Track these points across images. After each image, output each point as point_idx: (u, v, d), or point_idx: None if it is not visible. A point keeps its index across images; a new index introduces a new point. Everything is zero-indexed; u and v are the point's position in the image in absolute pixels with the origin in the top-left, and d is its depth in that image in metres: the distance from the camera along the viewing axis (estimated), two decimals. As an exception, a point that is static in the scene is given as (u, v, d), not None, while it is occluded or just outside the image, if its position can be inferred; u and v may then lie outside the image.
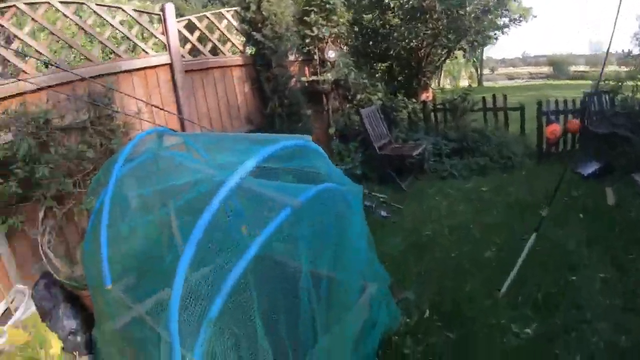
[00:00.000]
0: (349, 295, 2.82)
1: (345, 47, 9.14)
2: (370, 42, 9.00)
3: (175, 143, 3.71)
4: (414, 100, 9.44)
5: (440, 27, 8.25)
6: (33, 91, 4.24)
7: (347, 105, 8.65)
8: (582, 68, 50.16)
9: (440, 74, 34.87)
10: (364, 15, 8.97)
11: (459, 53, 10.82)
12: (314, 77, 7.62)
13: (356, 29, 9.24)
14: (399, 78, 9.89)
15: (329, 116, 8.12)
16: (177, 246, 2.92)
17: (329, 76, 7.55)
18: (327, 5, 7.50)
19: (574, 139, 8.86)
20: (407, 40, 8.60)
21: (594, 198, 6.50)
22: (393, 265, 4.95)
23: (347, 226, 2.87)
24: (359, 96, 8.54)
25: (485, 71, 42.86)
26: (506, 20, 8.41)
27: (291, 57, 7.62)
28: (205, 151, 3.45)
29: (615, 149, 7.71)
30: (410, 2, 8.24)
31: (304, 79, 7.73)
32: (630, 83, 8.86)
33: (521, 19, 8.38)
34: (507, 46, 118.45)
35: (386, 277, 3.67)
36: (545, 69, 50.30)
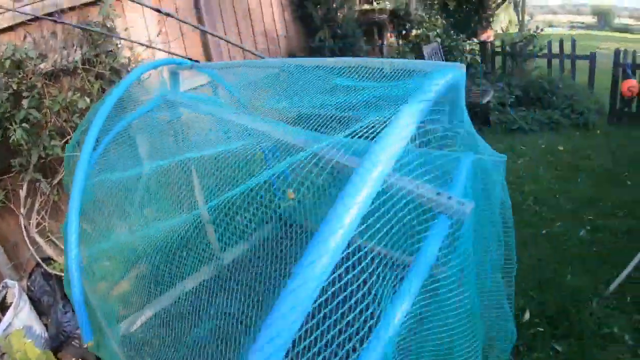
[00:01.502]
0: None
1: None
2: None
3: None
4: (473, 39, 8.19)
5: None
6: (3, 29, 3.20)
7: (402, 42, 7.47)
8: (625, 21, 47.53)
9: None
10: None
11: None
12: (368, 6, 6.40)
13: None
14: (458, 13, 8.59)
15: (382, 54, 6.97)
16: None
17: (387, 4, 6.33)
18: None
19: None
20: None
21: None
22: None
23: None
24: (414, 31, 7.34)
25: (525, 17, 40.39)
26: None
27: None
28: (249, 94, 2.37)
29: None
30: None
31: (360, 7, 6.53)
32: None
33: None
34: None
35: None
36: (588, 19, 47.73)
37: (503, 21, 35.02)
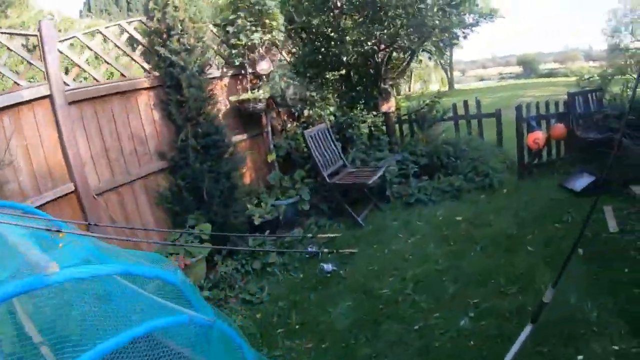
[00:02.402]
0: None
1: (289, 56, 7.56)
2: (322, 49, 7.40)
3: None
4: (374, 112, 7.88)
5: (399, 26, 6.67)
6: None
7: (294, 124, 7.07)
8: (551, 66, 49.75)
9: (411, 79, 33.67)
10: (311, 19, 7.41)
11: (424, 55, 9.17)
12: (244, 96, 5.98)
13: (304, 34, 7.68)
14: (358, 87, 8.33)
15: (268, 140, 6.52)
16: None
17: (261, 93, 5.93)
18: (257, 7, 5.89)
19: (558, 147, 7.41)
20: (361, 44, 7.07)
21: (591, 223, 5.05)
22: (336, 349, 3.52)
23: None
24: (307, 112, 6.97)
25: (456, 74, 41.75)
26: (476, 16, 6.80)
27: (216, 73, 6.04)
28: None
29: (609, 157, 6.25)
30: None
31: (232, 98, 6.10)
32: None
33: (492, 15, 6.77)
34: (476, 47, 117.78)
35: None
36: (515, 69, 49.80)
37: (435, 81, 36.03)
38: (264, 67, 5.99)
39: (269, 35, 6.04)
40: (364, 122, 7.60)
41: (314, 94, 6.87)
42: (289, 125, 6.93)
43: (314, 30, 7.56)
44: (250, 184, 6.39)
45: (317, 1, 6.86)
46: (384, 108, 7.64)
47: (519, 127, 6.97)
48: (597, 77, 7.65)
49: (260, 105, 5.90)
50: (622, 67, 7.68)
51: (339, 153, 6.57)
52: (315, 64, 7.45)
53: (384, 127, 8.04)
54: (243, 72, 6.28)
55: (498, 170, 6.90)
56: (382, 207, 6.37)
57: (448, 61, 33.65)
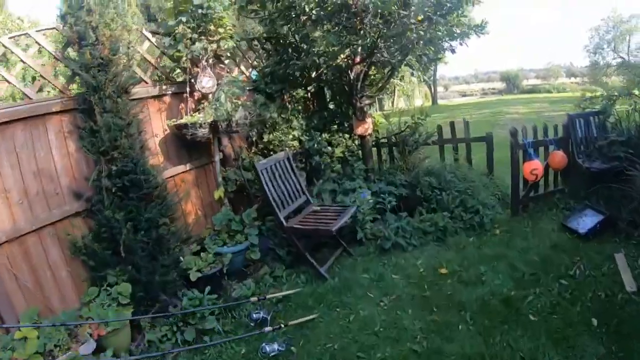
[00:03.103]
0: None
1: (249, 71, 6.42)
2: (291, 62, 6.29)
3: None
4: (348, 135, 6.78)
5: (376, 37, 5.57)
6: None
7: (251, 151, 5.93)
8: (533, 82, 49.48)
9: (394, 95, 32.70)
10: (276, 27, 6.29)
11: (406, 71, 7.94)
12: (182, 120, 4.85)
13: (268, 45, 6.55)
14: (330, 107, 7.22)
15: (215, 172, 5.38)
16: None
17: (200, 116, 4.80)
18: (200, 11, 4.76)
19: (557, 177, 6.37)
20: (332, 56, 5.98)
21: (603, 277, 4.17)
22: None
23: None
24: (266, 137, 5.83)
25: (439, 89, 41.09)
26: (465, 28, 5.69)
27: (152, 90, 4.89)
28: None
29: (617, 191, 5.27)
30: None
31: (171, 122, 4.97)
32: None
33: (483, 26, 5.66)
34: (458, 64, 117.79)
35: None
36: (498, 85, 49.49)
37: (418, 96, 35.24)
38: (205, 84, 4.84)
39: (213, 46, 4.90)
40: (336, 146, 6.49)
41: (274, 114, 5.75)
42: (245, 152, 5.76)
43: (281, 40, 6.46)
44: (193, 226, 5.24)
45: (282, 6, 5.71)
46: (360, 130, 6.53)
47: (514, 155, 5.92)
48: (600, 97, 6.59)
49: (203, 132, 4.74)
50: (629, 85, 6.63)
51: (301, 187, 5.42)
52: (281, 79, 6.32)
53: (360, 152, 6.95)
54: (188, 89, 5.13)
55: (488, 204, 5.82)
56: (352, 252, 5.24)
57: (431, 77, 32.87)
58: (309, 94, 7.07)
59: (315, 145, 5.92)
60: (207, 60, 4.89)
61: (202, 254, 4.74)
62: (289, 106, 6.37)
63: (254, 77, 6.27)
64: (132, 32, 4.45)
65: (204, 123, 4.70)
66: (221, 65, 5.29)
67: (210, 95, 4.96)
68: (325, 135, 6.30)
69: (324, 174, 6.06)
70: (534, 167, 5.80)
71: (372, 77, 7.05)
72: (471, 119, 17.94)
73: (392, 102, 34.13)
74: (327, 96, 7.43)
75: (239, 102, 4.91)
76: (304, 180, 5.70)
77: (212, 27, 4.82)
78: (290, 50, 6.49)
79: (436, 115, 21.74)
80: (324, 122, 6.81)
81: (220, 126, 4.83)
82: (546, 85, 42.45)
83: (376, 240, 5.35)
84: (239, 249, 4.90)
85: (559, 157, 5.90)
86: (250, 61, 6.40)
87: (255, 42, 6.51)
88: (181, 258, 4.54)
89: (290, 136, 5.85)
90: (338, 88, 7.09)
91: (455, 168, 6.41)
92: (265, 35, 6.37)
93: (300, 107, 6.65)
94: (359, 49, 5.89)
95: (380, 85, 6.95)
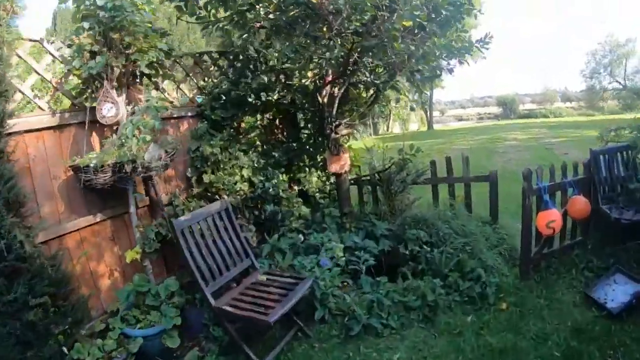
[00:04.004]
0: None
1: (193, 93, 5.06)
2: (242, 81, 4.93)
3: None
4: (321, 172, 5.41)
5: (349, 48, 4.20)
6: None
7: (184, 195, 4.55)
8: (529, 106, 48.44)
9: (389, 119, 31.44)
10: (230, 39, 4.92)
11: (393, 95, 6.49)
12: (77, 161, 3.48)
13: (223, 62, 5.20)
14: (299, 138, 5.85)
15: (132, 226, 3.99)
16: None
17: (95, 157, 3.42)
18: (102, 14, 3.40)
19: (574, 225, 4.97)
20: (291, 74, 4.66)
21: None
22: None
23: None
24: (207, 178, 4.45)
25: (435, 113, 40.00)
26: (464, 43, 4.29)
27: (51, 120, 3.58)
28: None
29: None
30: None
31: (66, 162, 3.61)
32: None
33: (488, 41, 4.24)
34: (454, 88, 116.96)
35: None
36: (494, 109, 48.49)
37: (414, 120, 34.04)
38: (106, 113, 3.47)
39: (120, 62, 3.53)
40: (305, 186, 5.11)
41: (216, 150, 4.37)
42: (178, 197, 4.36)
43: (240, 56, 5.12)
44: (106, 294, 3.87)
45: (233, 10, 4.33)
46: (334, 167, 5.16)
47: (527, 203, 4.53)
48: (628, 129, 5.23)
49: (104, 177, 3.36)
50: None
51: (244, 248, 3.99)
52: (235, 103, 4.96)
53: (334, 192, 5.57)
54: (88, 119, 3.76)
55: (493, 268, 4.42)
56: (310, 334, 3.81)
57: (427, 101, 31.71)
58: (277, 121, 5.71)
59: (271, 190, 4.51)
60: (111, 81, 3.51)
61: (105, 336, 3.36)
62: (242, 138, 4.98)
63: (199, 101, 4.91)
64: (4, 46, 3.14)
65: (105, 165, 3.31)
66: (140, 87, 3.92)
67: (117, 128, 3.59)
68: (291, 174, 4.91)
69: (282, 225, 4.64)
70: (551, 218, 4.41)
71: (354, 101, 5.69)
72: (468, 146, 16.61)
73: (387, 127, 32.94)
74: (302, 123, 6.06)
75: (148, 138, 3.50)
76: (255, 236, 4.30)
77: (116, 36, 3.45)
78: (251, 66, 5.15)
79: (432, 140, 20.51)
80: (292, 155, 5.44)
81: (125, 170, 3.42)
82: (542, 110, 41.55)
83: (342, 317, 3.90)
84: (153, 333, 3.50)
85: (580, 204, 4.54)
86: (195, 81, 5.04)
87: (206, 58, 5.17)
88: (64, 349, 3.16)
89: (237, 177, 4.44)
90: (312, 114, 5.75)
91: (451, 216, 5.02)
92: (219, 49, 5.04)
93: (255, 139, 5.25)
94: (328, 65, 4.50)
95: (361, 111, 5.57)
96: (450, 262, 4.36)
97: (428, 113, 33.69)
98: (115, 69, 3.49)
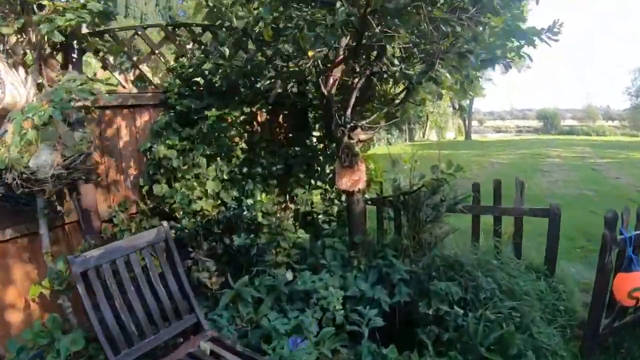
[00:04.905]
0: None
1: (160, 76, 3.82)
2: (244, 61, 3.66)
3: None
4: (328, 187, 4.10)
5: (363, 10, 2.77)
6: None
7: (129, 213, 3.30)
8: (570, 122, 45.88)
9: (426, 125, 29.71)
10: (228, 13, 3.64)
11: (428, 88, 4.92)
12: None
13: (207, 39, 3.94)
14: (308, 139, 4.54)
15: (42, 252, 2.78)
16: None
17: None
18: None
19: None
20: (289, 56, 3.38)
21: None
22: None
23: None
24: (159, 190, 3.19)
25: (474, 123, 38.06)
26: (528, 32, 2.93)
27: None
28: None
29: None
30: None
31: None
32: None
33: (557, 32, 2.86)
34: (493, 98, 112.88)
35: None
36: (534, 123, 46.22)
37: (451, 129, 32.24)
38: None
39: (15, 26, 2.30)
40: (296, 209, 3.82)
41: (170, 153, 3.10)
42: (120, 214, 3.11)
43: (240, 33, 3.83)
44: (18, 327, 2.74)
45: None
46: (345, 183, 3.79)
47: (605, 260, 3.14)
48: None
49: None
50: None
51: (187, 299, 2.67)
52: (217, 90, 3.69)
53: (344, 215, 4.26)
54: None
55: (549, 350, 3.04)
56: None
57: (467, 108, 29.90)
58: (281, 118, 4.42)
59: (246, 212, 3.21)
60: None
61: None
62: (221, 137, 3.67)
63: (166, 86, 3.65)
64: None
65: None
66: (54, 62, 2.68)
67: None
68: (287, 188, 3.62)
69: (260, 260, 3.33)
70: (637, 283, 3.04)
71: (378, 97, 4.36)
72: (508, 160, 15.02)
73: (424, 134, 31.24)
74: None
75: (30, 135, 2.24)
76: (215, 276, 3.02)
77: None
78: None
79: (469, 151, 19.00)
80: (292, 163, 4.15)
81: (6, 180, 2.20)
82: (584, 127, 39.10)
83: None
84: None
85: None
86: (164, 60, 3.79)
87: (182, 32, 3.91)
88: None
89: (197, 192, 3.17)
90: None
91: (496, 264, 3.64)
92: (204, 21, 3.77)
93: (236, 140, 3.94)
94: (329, 36, 3.06)
95: (388, 111, 4.17)
96: (490, 335, 3.00)
97: (467, 122, 31.91)
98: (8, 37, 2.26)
